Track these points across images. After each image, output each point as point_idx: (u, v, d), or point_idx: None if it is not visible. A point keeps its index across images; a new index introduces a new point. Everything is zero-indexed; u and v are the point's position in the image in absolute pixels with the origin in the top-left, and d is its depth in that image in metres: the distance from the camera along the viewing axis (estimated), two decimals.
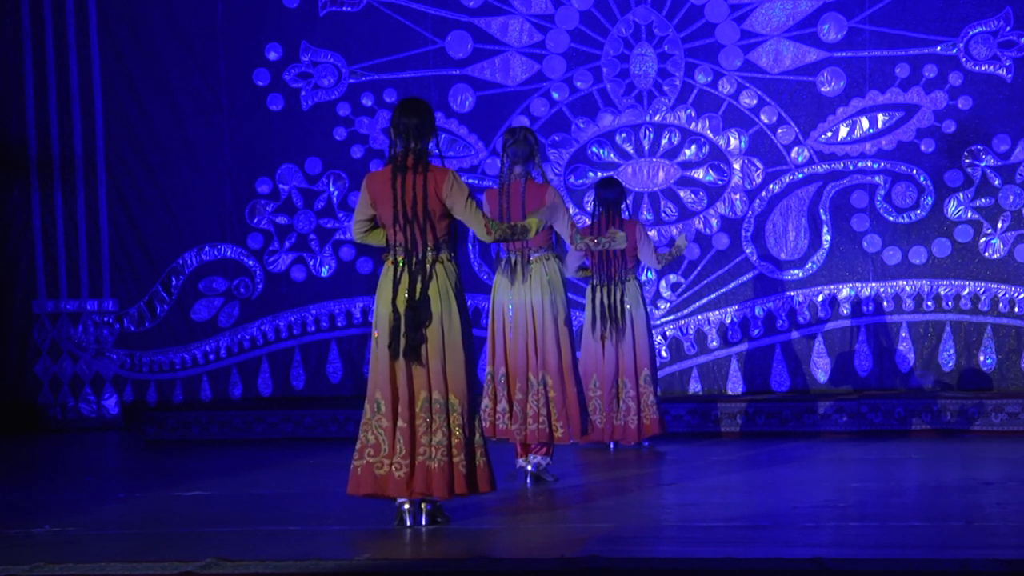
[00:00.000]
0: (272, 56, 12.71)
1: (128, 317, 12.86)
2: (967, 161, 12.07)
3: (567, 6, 12.47)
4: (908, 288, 12.14)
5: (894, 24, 12.12)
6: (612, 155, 12.46)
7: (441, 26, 12.58)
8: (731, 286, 12.36)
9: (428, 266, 6.94)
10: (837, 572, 5.59)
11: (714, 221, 12.38)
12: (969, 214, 12.08)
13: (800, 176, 12.29)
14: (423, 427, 6.88)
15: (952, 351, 12.05)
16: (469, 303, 10.34)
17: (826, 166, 12.25)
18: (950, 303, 12.08)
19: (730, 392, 12.27)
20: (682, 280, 12.41)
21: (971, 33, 12.05)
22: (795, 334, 12.26)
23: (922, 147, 12.11)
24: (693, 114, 12.37)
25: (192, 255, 12.82)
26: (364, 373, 12.10)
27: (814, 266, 12.26)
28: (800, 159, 12.27)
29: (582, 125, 12.47)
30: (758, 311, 12.32)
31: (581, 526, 7.28)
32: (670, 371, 12.33)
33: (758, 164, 12.31)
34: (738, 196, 12.34)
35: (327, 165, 12.69)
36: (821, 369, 12.21)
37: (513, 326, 8.73)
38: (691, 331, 12.40)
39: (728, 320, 12.35)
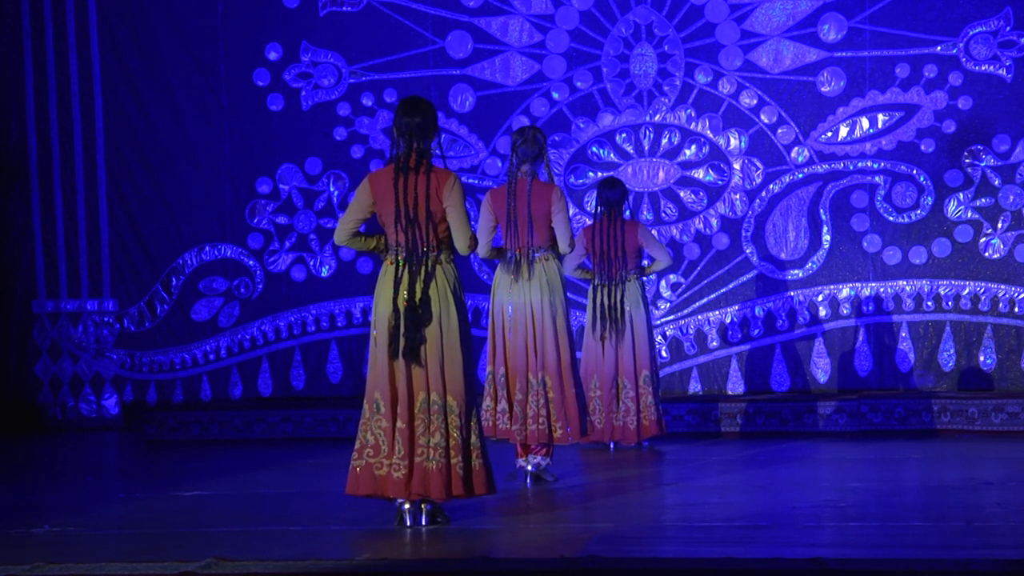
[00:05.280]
0: (272, 56, 12.71)
1: (128, 317, 12.86)
2: (967, 161, 12.07)
3: (567, 6, 12.47)
4: (908, 288, 12.14)
5: (894, 24, 12.12)
6: (612, 155, 12.46)
7: (441, 26, 12.58)
8: (731, 286, 12.36)
9: (428, 266, 6.94)
10: (837, 572, 5.59)
11: (714, 221, 12.38)
12: (969, 214, 12.08)
13: (800, 176, 12.29)
14: (422, 428, 6.88)
15: (952, 351, 12.05)
16: (469, 303, 10.39)
17: (826, 166, 12.25)
18: (950, 303, 12.08)
19: (730, 392, 12.27)
20: (682, 280, 12.41)
21: (971, 33, 12.05)
22: (795, 334, 12.26)
23: (922, 147, 12.11)
24: (693, 114, 12.37)
25: (192, 255, 12.82)
26: (364, 373, 12.09)
27: (814, 266, 12.26)
28: (800, 159, 12.27)
29: (582, 125, 12.47)
30: (758, 311, 12.32)
31: (581, 526, 7.28)
32: (670, 371, 12.33)
33: (758, 164, 12.31)
34: (738, 196, 12.34)
35: (327, 165, 12.69)
36: (821, 369, 12.21)
37: (512, 326, 8.73)
38: (691, 331, 12.40)
39: (728, 320, 12.35)
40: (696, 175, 12.39)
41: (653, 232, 11.23)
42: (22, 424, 12.74)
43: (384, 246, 7.03)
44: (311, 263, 12.74)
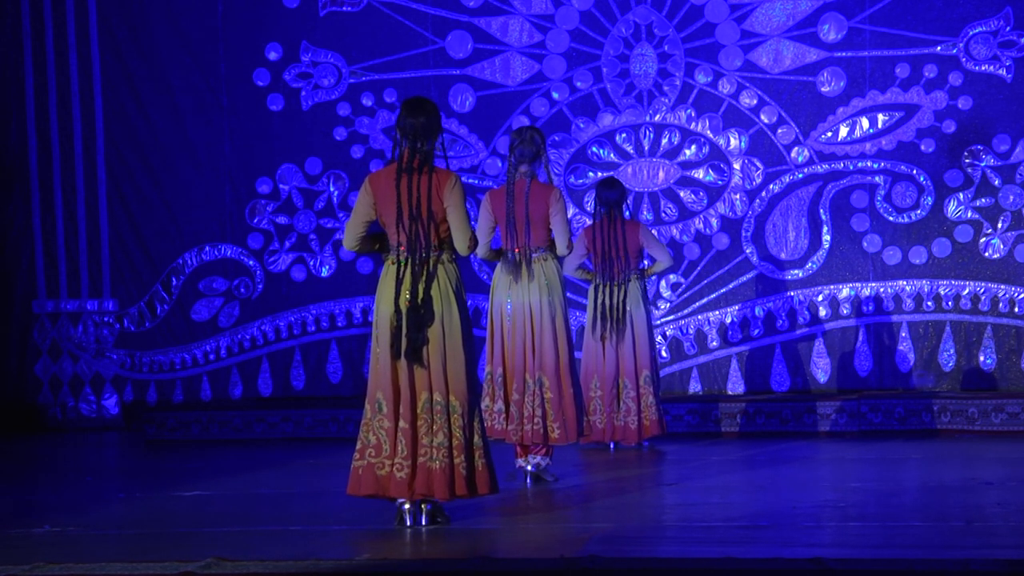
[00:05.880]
0: (272, 56, 12.71)
1: (128, 317, 12.86)
2: (967, 161, 12.07)
3: (567, 6, 12.47)
4: (908, 288, 12.14)
5: (894, 24, 12.12)
6: (612, 155, 12.46)
7: (441, 26, 12.58)
8: (731, 286, 12.36)
9: (430, 266, 6.93)
10: (837, 572, 5.59)
11: (714, 221, 12.38)
12: (969, 214, 12.08)
13: (800, 176, 12.29)
14: (424, 428, 6.88)
15: (952, 351, 12.05)
16: (469, 303, 10.37)
17: (826, 166, 12.25)
18: (950, 303, 12.09)
19: (730, 392, 12.27)
20: (682, 280, 12.41)
21: (971, 33, 12.05)
22: (795, 334, 12.26)
23: (922, 147, 12.12)
24: (693, 114, 12.37)
25: (192, 255, 12.82)
26: (364, 373, 12.10)
27: (814, 266, 12.27)
28: (800, 159, 12.27)
29: (582, 125, 12.47)
30: (758, 311, 12.32)
31: (581, 526, 7.28)
32: (670, 371, 12.33)
33: (758, 164, 12.31)
34: (738, 196, 12.35)
35: (327, 165, 12.69)
36: (821, 369, 12.21)
37: (511, 326, 8.73)
38: (691, 331, 12.40)
39: (728, 320, 12.35)
40: (696, 175, 12.39)
41: (653, 232, 11.23)
42: (22, 424, 12.74)
43: (386, 246, 7.03)
44: (311, 263, 12.74)
